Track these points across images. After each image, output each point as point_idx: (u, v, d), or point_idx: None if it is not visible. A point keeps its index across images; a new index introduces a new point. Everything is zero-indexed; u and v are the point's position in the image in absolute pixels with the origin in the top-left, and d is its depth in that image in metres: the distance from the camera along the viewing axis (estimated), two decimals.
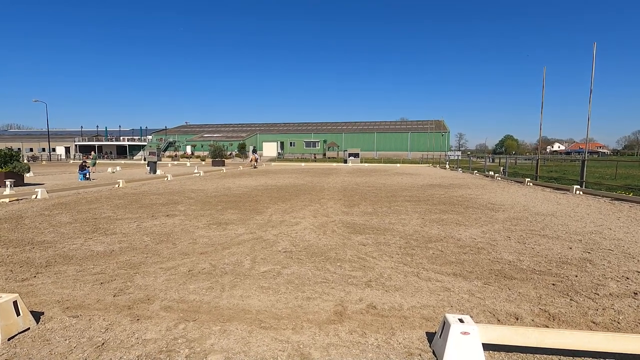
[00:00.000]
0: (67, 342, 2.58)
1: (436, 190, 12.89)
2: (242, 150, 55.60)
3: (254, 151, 38.74)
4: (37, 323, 2.84)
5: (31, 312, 2.87)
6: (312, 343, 2.60)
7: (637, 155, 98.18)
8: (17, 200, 9.81)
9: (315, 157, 57.10)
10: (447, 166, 33.92)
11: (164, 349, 2.50)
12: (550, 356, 2.47)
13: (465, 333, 2.32)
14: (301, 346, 2.56)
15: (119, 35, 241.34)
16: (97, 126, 72.41)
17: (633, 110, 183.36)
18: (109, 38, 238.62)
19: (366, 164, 42.75)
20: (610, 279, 3.90)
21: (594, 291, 3.57)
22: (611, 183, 14.75)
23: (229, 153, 53.68)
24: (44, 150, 64.33)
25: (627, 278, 3.93)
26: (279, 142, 64.73)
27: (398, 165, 40.62)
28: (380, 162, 48.05)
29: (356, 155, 48.16)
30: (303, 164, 42.67)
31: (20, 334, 2.67)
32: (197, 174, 21.21)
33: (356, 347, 2.55)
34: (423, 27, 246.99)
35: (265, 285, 3.69)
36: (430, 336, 2.69)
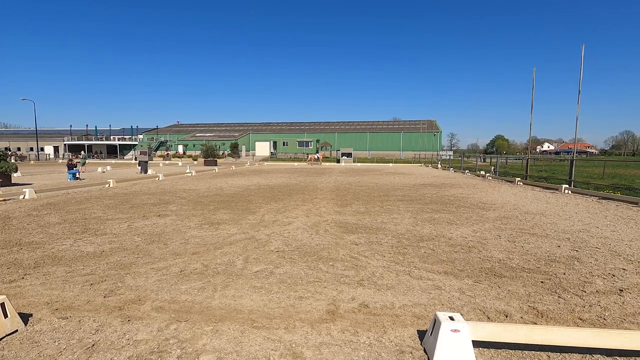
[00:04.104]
0: (57, 343, 2.55)
1: (428, 190, 12.99)
2: (234, 150, 55.28)
3: (317, 151, 39.71)
4: (26, 325, 2.80)
5: (19, 314, 2.82)
6: (305, 342, 2.61)
7: (624, 155, 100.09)
8: (4, 200, 9.63)
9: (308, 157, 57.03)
10: (439, 166, 34.18)
11: (156, 349, 2.49)
12: (538, 352, 2.51)
13: (455, 330, 2.35)
14: (293, 345, 2.57)
15: (109, 32, 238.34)
16: (87, 125, 71.36)
17: (621, 110, 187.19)
18: (99, 35, 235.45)
19: (359, 164, 42.87)
20: (597, 277, 3.98)
21: (581, 288, 3.64)
22: (599, 182, 15.03)
23: (221, 153, 53.35)
24: (32, 149, 63.23)
25: (613, 275, 4.02)
26: (271, 142, 64.54)
27: (391, 164, 40.82)
28: (373, 162, 48.21)
29: (349, 154, 48.22)
30: (296, 163, 42.63)
31: (8, 336, 2.63)
32: (189, 174, 21.04)
33: (348, 346, 2.57)
34: (416, 25, 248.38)
35: (258, 285, 3.69)
36: (422, 334, 2.72)
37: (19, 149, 67.25)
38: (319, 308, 3.17)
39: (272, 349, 2.51)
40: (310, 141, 61.61)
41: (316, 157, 38.97)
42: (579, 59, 13.94)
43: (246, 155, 62.90)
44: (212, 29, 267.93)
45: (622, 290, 3.58)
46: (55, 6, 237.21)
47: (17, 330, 2.71)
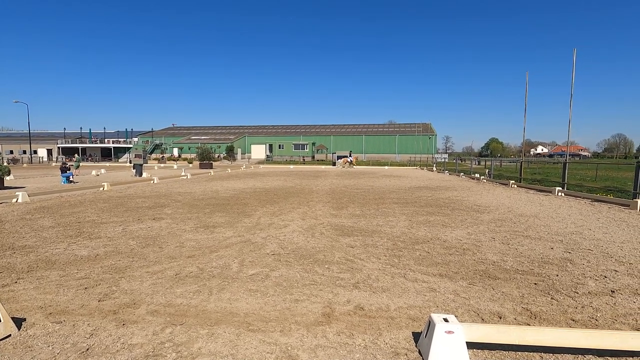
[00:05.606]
0: (51, 348, 2.54)
1: (423, 193, 13.06)
2: (230, 153, 55.17)
3: (350, 154, 41.15)
4: (19, 329, 2.78)
5: (12, 318, 2.80)
6: (300, 345, 2.62)
7: (616, 157, 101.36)
8: None
9: (304, 160, 57.05)
10: (435, 168, 34.35)
11: (151, 353, 2.48)
12: (531, 353, 2.54)
13: (449, 332, 2.38)
14: (289, 348, 2.57)
15: (104, 33, 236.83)
16: (81, 128, 70.72)
17: (613, 113, 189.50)
18: (94, 36, 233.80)
19: (355, 166, 42.94)
20: (589, 278, 4.03)
21: (573, 290, 3.69)
22: (592, 185, 15.20)
23: (217, 155, 53.23)
24: (24, 152, 62.60)
25: (605, 277, 4.07)
26: (267, 145, 64.50)
27: (386, 167, 40.94)
28: (368, 165, 48.34)
29: (345, 157, 48.32)
30: (292, 166, 42.62)
31: (1, 341, 2.61)
32: (184, 177, 20.96)
33: (344, 348, 2.58)
34: (410, 27, 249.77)
35: (253, 288, 3.69)
36: (417, 336, 2.74)
37: (11, 151, 66.54)
38: (315, 311, 3.18)
39: (267, 352, 2.52)
40: (306, 144, 61.69)
41: (349, 160, 39.62)
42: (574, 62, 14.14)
43: (242, 158, 62.80)
44: (210, 30, 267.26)
45: (613, 292, 3.63)
46: (51, 5, 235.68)
47: (10, 335, 2.68)
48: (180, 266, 4.37)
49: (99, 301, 3.33)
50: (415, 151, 59.49)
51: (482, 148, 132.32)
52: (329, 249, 5.19)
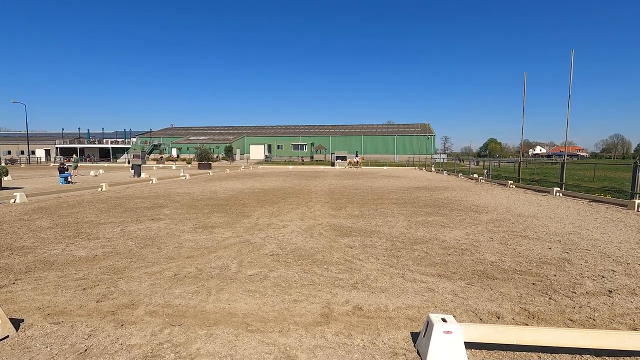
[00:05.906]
0: (49, 349, 2.53)
1: (422, 193, 13.08)
2: (228, 153, 55.14)
3: (356, 155, 42.74)
4: (17, 330, 2.77)
5: (10, 319, 2.79)
6: (299, 345, 2.62)
7: (614, 158, 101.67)
8: None
9: (302, 160, 57.05)
10: (433, 169, 34.38)
11: (149, 354, 2.48)
12: (529, 353, 2.55)
13: (447, 332, 2.38)
14: (288, 348, 2.57)
15: (104, 33, 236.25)
16: (79, 128, 70.46)
17: (611, 113, 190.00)
18: (92, 36, 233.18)
19: (353, 167, 42.95)
20: (587, 278, 4.04)
21: (571, 290, 3.70)
22: (590, 185, 15.25)
23: (215, 156, 53.19)
24: (22, 152, 62.42)
25: (603, 277, 4.09)
26: (266, 145, 64.46)
27: (385, 167, 40.97)
28: (367, 165, 48.35)
29: (344, 158, 48.36)
30: (291, 166, 42.60)
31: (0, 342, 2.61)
32: (182, 177, 20.94)
33: (342, 348, 2.58)
34: (410, 27, 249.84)
35: (252, 288, 3.69)
36: (415, 336, 2.74)
37: (9, 152, 66.32)
38: (313, 311, 3.18)
39: (266, 352, 2.52)
40: (305, 144, 61.70)
41: (355, 160, 40.51)
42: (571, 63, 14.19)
43: (240, 159, 62.73)
44: (210, 30, 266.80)
45: (611, 292, 3.65)
46: (51, 5, 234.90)
47: (8, 336, 2.68)
48: (179, 267, 4.36)
49: (97, 302, 3.32)
50: (413, 151, 59.56)
51: (480, 148, 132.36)
52: (327, 250, 5.19)
